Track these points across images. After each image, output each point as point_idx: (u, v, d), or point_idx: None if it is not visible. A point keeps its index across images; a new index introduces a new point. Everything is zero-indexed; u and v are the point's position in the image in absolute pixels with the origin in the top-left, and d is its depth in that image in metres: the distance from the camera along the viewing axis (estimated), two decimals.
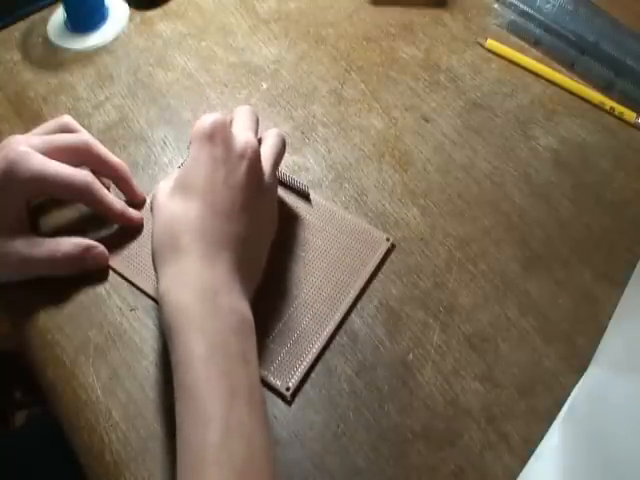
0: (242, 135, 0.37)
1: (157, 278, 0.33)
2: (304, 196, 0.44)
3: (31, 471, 0.49)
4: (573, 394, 0.36)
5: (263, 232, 0.38)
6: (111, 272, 0.41)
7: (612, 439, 0.33)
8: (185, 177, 0.35)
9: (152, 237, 0.34)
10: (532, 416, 0.35)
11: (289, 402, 0.36)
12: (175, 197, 0.35)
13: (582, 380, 0.36)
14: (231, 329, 0.32)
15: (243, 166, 0.35)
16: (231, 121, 0.39)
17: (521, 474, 0.33)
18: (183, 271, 0.32)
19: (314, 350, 0.37)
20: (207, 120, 0.36)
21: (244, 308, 0.33)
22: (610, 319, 0.38)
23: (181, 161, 0.46)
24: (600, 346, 0.37)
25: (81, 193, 0.39)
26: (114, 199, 0.41)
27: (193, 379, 0.30)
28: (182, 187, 0.35)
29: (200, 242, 0.33)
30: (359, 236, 0.42)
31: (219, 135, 0.35)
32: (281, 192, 0.44)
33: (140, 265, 0.41)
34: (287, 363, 0.37)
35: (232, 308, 0.32)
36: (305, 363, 0.37)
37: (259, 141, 0.40)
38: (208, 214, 0.34)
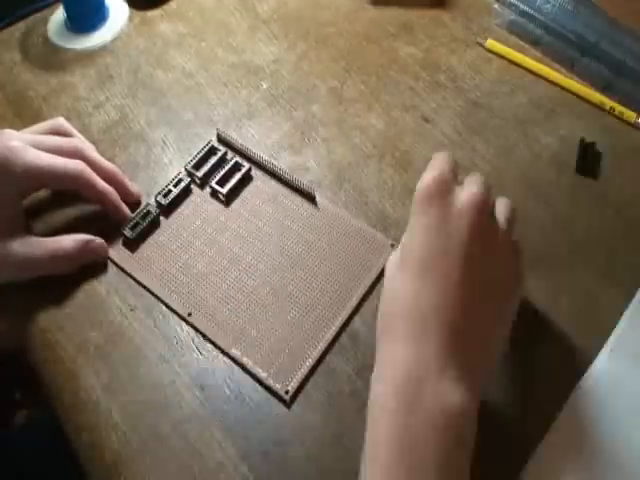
0: (467, 190, 0.32)
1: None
2: (309, 198, 0.44)
3: (31, 471, 0.49)
4: (586, 383, 0.36)
5: (494, 296, 0.31)
6: (111, 269, 0.41)
7: (628, 429, 0.34)
8: (404, 249, 0.32)
9: (378, 319, 0.32)
10: (532, 416, 0.35)
11: (288, 405, 0.36)
12: (398, 272, 0.32)
13: (596, 369, 0.36)
14: (432, 427, 0.27)
15: (465, 223, 0.31)
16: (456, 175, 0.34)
17: (525, 468, 0.33)
18: (389, 357, 0.30)
19: (315, 354, 0.37)
20: (426, 179, 0.32)
21: (458, 399, 0.28)
22: (610, 319, 0.38)
23: (182, 161, 0.46)
24: (616, 336, 0.37)
25: (75, 181, 0.39)
26: (108, 186, 0.41)
27: None
28: (403, 260, 0.32)
29: (407, 322, 0.30)
30: (363, 241, 0.42)
31: (439, 194, 0.32)
32: (286, 193, 0.44)
33: (139, 259, 0.41)
34: (287, 366, 0.37)
35: (439, 401, 0.28)
36: (305, 367, 0.37)
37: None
38: (421, 290, 0.30)
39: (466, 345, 0.30)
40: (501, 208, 0.34)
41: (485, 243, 0.31)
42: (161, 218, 0.43)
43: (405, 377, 0.29)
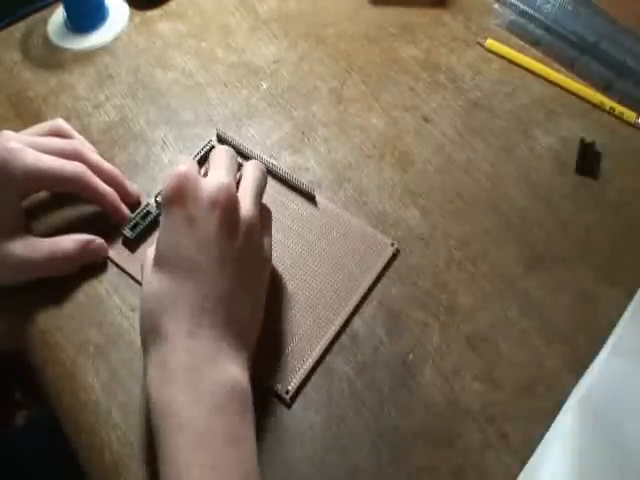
0: (213, 181, 0.33)
1: (144, 366, 0.32)
2: (309, 198, 0.44)
3: (31, 471, 0.49)
4: (586, 383, 0.36)
5: (252, 277, 0.34)
6: (110, 268, 0.41)
7: (629, 428, 0.34)
8: (159, 248, 0.33)
9: (140, 319, 0.33)
10: (532, 416, 0.35)
11: (289, 405, 0.36)
12: (154, 272, 0.33)
13: (597, 369, 0.36)
14: (218, 411, 0.29)
15: (214, 217, 0.32)
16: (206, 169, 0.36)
17: (524, 469, 0.33)
18: (165, 359, 0.31)
19: (314, 354, 0.37)
20: (172, 178, 0.33)
21: (234, 376, 0.31)
22: (610, 319, 0.38)
23: None
24: (616, 336, 0.37)
25: (75, 183, 0.39)
26: (107, 188, 0.41)
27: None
28: (157, 260, 0.33)
29: (178, 320, 0.31)
30: (363, 240, 0.42)
31: (186, 192, 0.32)
32: (286, 193, 0.44)
33: (139, 259, 0.41)
34: (287, 366, 0.37)
35: (218, 383, 0.30)
36: (305, 367, 0.37)
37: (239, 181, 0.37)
38: (183, 286, 0.32)
39: (236, 322, 0.32)
40: (244, 189, 0.35)
41: (234, 228, 0.33)
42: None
43: (188, 370, 0.30)
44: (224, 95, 0.50)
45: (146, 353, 0.32)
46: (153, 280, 0.32)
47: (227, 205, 0.33)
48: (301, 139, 0.48)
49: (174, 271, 0.32)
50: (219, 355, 0.31)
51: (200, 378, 0.30)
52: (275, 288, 0.40)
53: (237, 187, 0.35)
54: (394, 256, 0.41)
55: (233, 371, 0.31)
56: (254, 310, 0.35)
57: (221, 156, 0.36)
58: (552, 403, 0.36)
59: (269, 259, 0.37)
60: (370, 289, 0.40)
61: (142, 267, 0.34)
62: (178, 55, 0.53)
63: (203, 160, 0.45)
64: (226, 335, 0.32)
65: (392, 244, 0.41)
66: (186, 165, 0.33)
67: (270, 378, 0.36)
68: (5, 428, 0.62)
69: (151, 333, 0.31)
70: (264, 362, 0.37)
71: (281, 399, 0.36)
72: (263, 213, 0.37)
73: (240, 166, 0.38)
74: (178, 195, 0.32)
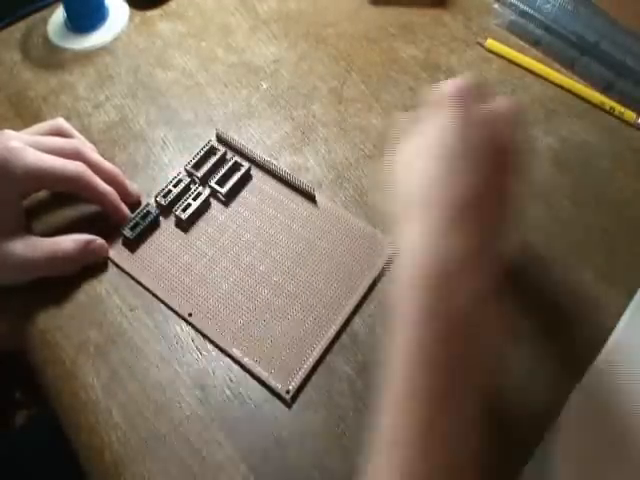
0: (496, 102, 0.34)
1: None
2: (309, 197, 0.44)
3: (31, 471, 0.49)
4: (586, 383, 0.36)
5: (503, 190, 0.33)
6: (110, 268, 0.41)
7: (627, 431, 0.34)
8: (425, 138, 0.33)
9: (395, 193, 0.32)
10: (532, 416, 0.35)
11: (289, 404, 0.36)
12: (419, 159, 0.32)
13: (596, 370, 0.37)
14: (460, 320, 0.27)
15: (486, 134, 0.32)
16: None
17: (525, 468, 0.33)
18: (408, 245, 0.30)
19: (315, 353, 0.37)
20: (455, 81, 0.34)
21: (488, 287, 0.29)
22: (610, 319, 0.38)
23: (182, 161, 0.46)
24: (616, 336, 0.38)
25: (76, 183, 0.39)
26: (108, 187, 0.41)
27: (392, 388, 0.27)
28: (425, 148, 0.32)
29: (434, 211, 0.30)
30: (363, 240, 0.42)
31: (465, 98, 0.33)
32: (287, 193, 0.44)
33: (139, 259, 0.41)
34: (288, 365, 0.37)
35: (471, 297, 0.28)
36: (306, 366, 0.37)
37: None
38: (449, 177, 0.31)
39: (490, 233, 0.31)
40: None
41: (494, 140, 0.32)
42: (161, 218, 0.43)
43: (434, 271, 0.28)
44: (224, 95, 0.50)
45: (397, 240, 0.31)
46: (415, 165, 0.32)
47: (507, 124, 0.33)
48: (301, 139, 0.48)
49: (445, 159, 0.31)
50: (475, 263, 0.29)
51: (447, 278, 0.28)
52: (276, 287, 0.40)
53: None
54: (394, 255, 0.41)
55: (488, 285, 0.29)
56: (503, 223, 0.33)
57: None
58: (552, 403, 0.36)
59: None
60: (370, 288, 0.40)
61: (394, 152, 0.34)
62: (178, 55, 0.53)
63: (202, 161, 0.45)
64: (480, 241, 0.30)
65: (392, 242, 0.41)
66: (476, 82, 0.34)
67: (270, 377, 0.36)
68: (5, 428, 0.62)
69: (405, 220, 0.31)
70: (264, 361, 0.37)
71: (281, 399, 0.36)
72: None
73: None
74: (459, 98, 0.33)
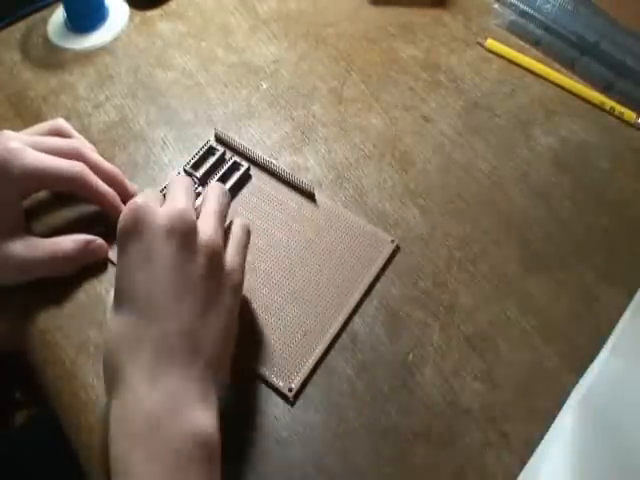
0: (167, 209, 0.32)
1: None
2: (309, 196, 0.44)
3: (31, 471, 0.49)
4: (586, 383, 0.36)
5: (217, 304, 0.32)
6: (110, 268, 0.41)
7: (629, 429, 0.34)
8: (116, 287, 0.31)
9: (102, 364, 0.31)
10: (532, 416, 0.35)
11: (291, 403, 0.36)
12: (114, 313, 0.31)
13: (597, 369, 0.36)
14: (176, 468, 0.27)
15: (170, 246, 0.31)
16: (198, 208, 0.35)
17: (524, 469, 0.33)
18: (125, 407, 0.29)
19: (317, 351, 0.37)
20: (125, 210, 0.31)
21: (199, 424, 0.28)
22: (610, 319, 0.38)
23: (182, 161, 0.46)
24: (616, 336, 0.37)
25: (75, 183, 0.39)
26: (107, 188, 0.41)
27: None
28: (116, 300, 0.31)
29: (138, 364, 0.29)
30: (363, 237, 0.42)
31: (141, 223, 0.31)
32: (286, 192, 0.44)
33: None
34: (290, 364, 0.37)
35: (179, 435, 0.28)
36: (308, 364, 0.37)
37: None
38: (142, 326, 0.30)
39: (201, 363, 0.30)
40: (207, 206, 0.34)
41: (191, 259, 0.31)
42: None
43: (146, 421, 0.28)
44: (224, 95, 0.50)
45: (108, 400, 0.30)
46: (113, 321, 0.31)
47: (183, 231, 0.31)
48: (301, 139, 0.48)
49: (132, 310, 0.30)
50: (183, 399, 0.29)
51: (159, 431, 0.28)
52: (276, 286, 0.40)
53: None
54: (394, 253, 0.41)
55: (198, 417, 0.29)
56: (223, 339, 0.32)
57: (176, 183, 0.35)
58: (552, 403, 0.36)
59: (238, 283, 0.34)
60: (371, 286, 0.40)
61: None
62: (178, 55, 0.53)
63: (201, 161, 0.45)
64: (192, 373, 0.29)
65: (392, 241, 0.41)
66: (143, 196, 0.32)
67: (272, 376, 0.36)
68: (5, 428, 0.62)
69: (112, 379, 0.30)
70: (266, 360, 0.37)
71: (284, 397, 0.36)
72: (234, 233, 0.35)
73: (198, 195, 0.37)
74: (132, 227, 0.31)
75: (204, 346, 0.30)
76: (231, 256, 0.34)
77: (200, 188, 0.44)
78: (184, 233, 0.31)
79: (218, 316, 0.31)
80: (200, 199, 0.36)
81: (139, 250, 0.31)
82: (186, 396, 0.29)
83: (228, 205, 0.36)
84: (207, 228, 0.32)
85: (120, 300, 0.31)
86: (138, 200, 0.32)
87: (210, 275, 0.31)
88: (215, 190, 0.36)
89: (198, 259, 0.31)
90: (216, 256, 0.32)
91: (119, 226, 0.31)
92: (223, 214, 0.35)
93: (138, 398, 0.28)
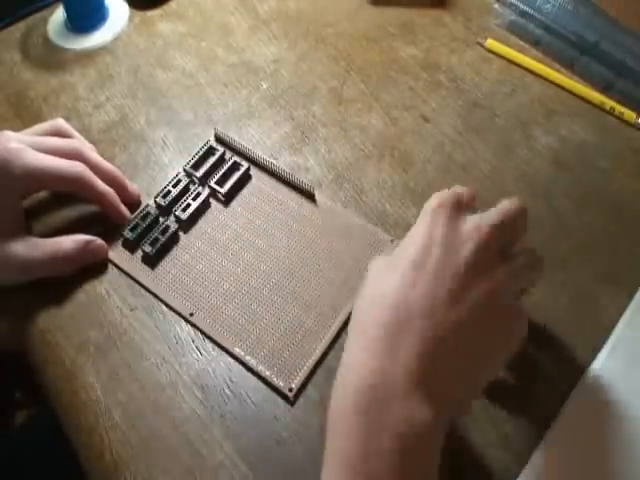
0: (478, 220, 0.31)
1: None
2: (309, 196, 0.44)
3: (31, 471, 0.49)
4: (586, 383, 0.36)
5: (482, 339, 0.30)
6: (110, 268, 0.41)
7: (629, 429, 0.34)
8: (403, 250, 0.31)
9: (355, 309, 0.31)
10: (532, 416, 0.35)
11: (292, 402, 0.36)
12: (388, 272, 0.31)
13: (597, 369, 0.36)
14: (398, 450, 0.26)
15: (468, 247, 0.30)
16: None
17: (524, 469, 0.33)
18: (357, 366, 0.28)
19: (317, 351, 0.37)
20: (445, 193, 0.33)
21: (425, 416, 0.26)
22: (610, 319, 0.38)
23: (182, 161, 0.46)
24: (616, 336, 0.37)
25: (75, 183, 0.39)
26: (108, 188, 0.41)
27: None
28: (397, 261, 0.31)
29: (384, 329, 0.28)
30: (363, 238, 0.42)
31: (449, 211, 0.31)
32: (286, 192, 0.44)
33: (139, 260, 0.41)
34: (290, 364, 0.37)
35: (404, 421, 0.26)
36: (308, 364, 0.37)
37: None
38: (409, 295, 0.29)
39: (437, 371, 0.28)
40: (521, 256, 0.33)
41: (483, 274, 0.30)
42: (160, 219, 0.43)
43: (369, 396, 0.27)
44: (224, 95, 0.50)
45: (346, 349, 0.30)
46: (383, 279, 0.31)
47: (485, 243, 0.30)
48: (301, 139, 0.48)
49: (400, 271, 0.30)
50: (413, 393, 0.27)
51: (385, 402, 0.27)
52: (276, 286, 0.40)
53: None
54: None
55: (425, 413, 0.27)
56: (471, 372, 0.29)
57: (505, 207, 0.33)
58: (552, 403, 0.36)
59: (514, 335, 0.31)
60: None
61: (370, 265, 0.32)
62: (178, 55, 0.53)
63: (201, 161, 0.45)
64: (422, 373, 0.28)
65: (392, 241, 0.41)
66: (468, 191, 0.33)
67: (273, 376, 0.36)
68: (5, 428, 0.62)
69: (358, 334, 0.30)
70: (266, 360, 0.37)
71: (284, 397, 0.36)
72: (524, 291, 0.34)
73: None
74: (447, 208, 0.31)
75: (450, 358, 0.29)
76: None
77: (200, 188, 0.44)
78: (483, 244, 0.30)
79: (483, 349, 0.30)
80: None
81: (449, 231, 0.30)
82: (414, 390, 0.27)
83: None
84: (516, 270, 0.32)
85: (396, 259, 0.31)
86: (463, 193, 0.33)
87: (499, 297, 0.30)
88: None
89: (493, 278, 0.30)
90: (510, 284, 0.31)
91: (439, 197, 0.32)
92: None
93: (376, 355, 0.28)
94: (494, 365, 0.31)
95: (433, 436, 0.27)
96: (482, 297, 0.29)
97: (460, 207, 0.32)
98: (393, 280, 0.30)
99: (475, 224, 0.31)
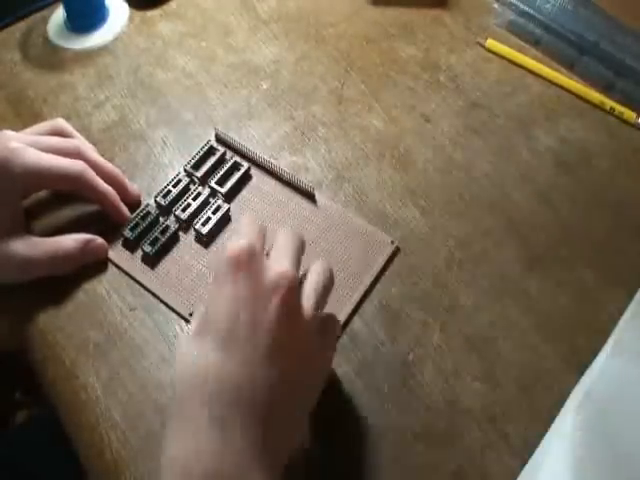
0: (277, 265, 0.30)
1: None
2: (309, 196, 0.44)
3: (31, 471, 0.49)
4: (586, 383, 0.36)
5: (301, 383, 0.30)
6: (110, 268, 0.41)
7: (629, 429, 0.34)
8: (208, 318, 0.29)
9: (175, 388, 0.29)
10: (532, 416, 0.35)
11: None
12: (198, 342, 0.29)
13: (597, 369, 0.36)
14: None
15: (274, 303, 0.29)
16: (268, 250, 0.33)
17: (524, 469, 0.33)
18: (184, 445, 0.27)
19: None
20: (234, 247, 0.30)
21: None
22: (610, 319, 0.38)
23: (182, 161, 0.46)
24: (616, 336, 0.37)
25: (76, 182, 0.39)
26: (108, 187, 0.41)
27: None
28: (204, 330, 0.29)
29: (209, 404, 0.27)
30: (363, 238, 0.42)
31: (247, 266, 0.29)
32: (287, 192, 0.44)
33: (139, 259, 0.41)
34: None
35: None
36: None
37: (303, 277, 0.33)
38: (226, 364, 0.28)
39: (273, 430, 0.28)
40: (307, 290, 0.32)
41: (292, 323, 0.30)
42: (160, 219, 0.43)
43: (202, 474, 0.26)
44: (224, 95, 0.50)
45: (167, 432, 0.28)
46: (194, 350, 0.29)
47: (288, 296, 0.29)
48: (301, 139, 0.48)
49: (224, 346, 0.28)
50: (249, 466, 0.26)
51: None
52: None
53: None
54: (394, 254, 0.41)
55: None
56: (301, 419, 0.30)
57: (287, 241, 0.33)
58: (552, 403, 0.36)
59: (325, 368, 0.33)
60: (371, 286, 0.40)
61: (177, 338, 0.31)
62: (178, 55, 0.53)
63: (201, 161, 0.45)
64: (267, 439, 0.27)
65: (392, 242, 0.42)
66: (251, 239, 0.31)
67: None
68: (5, 428, 0.62)
69: (177, 409, 0.28)
70: None
71: None
72: (328, 321, 0.34)
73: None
74: (237, 266, 0.29)
75: (283, 419, 0.29)
76: (327, 340, 0.33)
77: (200, 188, 0.44)
78: (288, 300, 0.29)
79: (301, 395, 0.30)
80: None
81: (237, 289, 0.29)
82: (253, 464, 0.27)
83: (331, 286, 0.34)
84: (308, 305, 0.31)
85: (208, 329, 0.29)
86: (246, 241, 0.30)
87: (306, 353, 0.30)
88: (321, 267, 0.33)
89: (297, 331, 0.30)
90: (313, 336, 0.31)
91: (222, 256, 0.30)
92: (324, 295, 0.33)
93: (202, 445, 0.26)
94: (312, 399, 0.31)
95: None
96: (293, 347, 0.30)
97: (256, 258, 0.30)
98: (206, 350, 0.29)
99: (275, 276, 0.30)
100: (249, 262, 0.30)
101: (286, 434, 0.29)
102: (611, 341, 0.37)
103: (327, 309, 0.38)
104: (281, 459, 0.29)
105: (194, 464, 0.26)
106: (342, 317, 0.38)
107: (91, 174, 0.40)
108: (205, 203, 0.43)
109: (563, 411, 0.35)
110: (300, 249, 0.33)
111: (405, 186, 0.45)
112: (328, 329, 0.33)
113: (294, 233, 0.33)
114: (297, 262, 0.32)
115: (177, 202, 0.43)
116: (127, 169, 0.45)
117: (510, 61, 0.52)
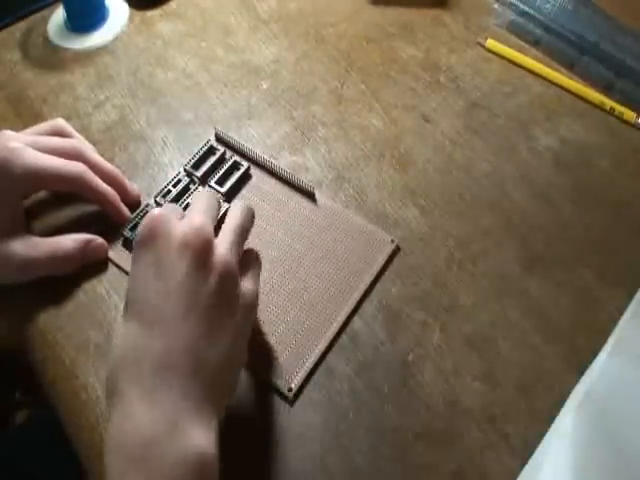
0: (185, 223, 0.31)
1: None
2: (309, 196, 0.44)
3: (31, 471, 0.49)
4: (586, 383, 0.36)
5: (226, 326, 0.30)
6: (110, 268, 0.41)
7: (629, 430, 0.34)
8: (127, 295, 0.30)
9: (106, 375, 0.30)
10: (532, 416, 0.35)
11: (291, 402, 0.36)
12: (123, 322, 0.30)
13: (597, 370, 0.36)
14: None
15: (184, 261, 0.29)
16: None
17: (524, 469, 0.33)
18: (121, 426, 0.27)
19: (317, 351, 0.37)
20: (145, 220, 0.30)
21: (197, 445, 0.27)
22: (610, 319, 0.38)
23: (182, 161, 0.46)
24: (616, 336, 0.37)
25: (75, 183, 0.39)
26: (108, 188, 0.41)
27: None
28: (126, 308, 0.30)
29: (138, 379, 0.28)
30: (364, 237, 0.42)
31: (158, 234, 0.30)
32: (286, 192, 0.44)
33: None
34: (290, 364, 0.37)
35: (178, 458, 0.26)
36: (308, 364, 0.37)
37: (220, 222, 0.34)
38: (147, 338, 0.28)
39: (202, 382, 0.28)
40: (224, 231, 0.33)
41: (204, 277, 0.30)
42: None
43: (143, 444, 0.26)
44: (224, 95, 0.50)
45: (108, 412, 0.28)
46: (120, 332, 0.30)
47: (197, 247, 0.30)
48: (301, 139, 0.48)
49: (141, 321, 0.29)
50: (182, 419, 0.27)
51: (155, 453, 0.26)
52: (276, 286, 0.40)
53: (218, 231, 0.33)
54: (394, 253, 0.41)
55: (197, 438, 0.27)
56: (230, 361, 0.30)
57: (200, 198, 0.34)
58: (552, 403, 0.36)
59: (251, 306, 0.33)
60: (371, 286, 0.40)
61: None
62: (178, 55, 0.53)
63: (201, 160, 0.45)
64: (193, 391, 0.28)
65: (392, 240, 0.42)
66: (163, 209, 0.31)
67: (272, 376, 0.36)
68: (5, 428, 0.62)
69: (112, 391, 0.28)
70: (266, 360, 0.37)
71: (284, 397, 0.36)
72: (249, 257, 0.35)
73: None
74: (149, 237, 0.30)
75: (207, 366, 0.29)
76: (246, 277, 0.33)
77: (200, 187, 0.44)
78: (198, 249, 0.30)
79: (226, 337, 0.30)
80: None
81: (152, 262, 0.30)
82: (184, 416, 0.27)
83: (250, 224, 0.35)
84: (223, 247, 0.31)
85: (129, 309, 0.30)
86: (156, 211, 0.31)
87: (221, 295, 0.30)
88: (236, 209, 0.34)
89: (210, 277, 0.30)
90: (229, 276, 0.31)
91: (137, 234, 0.31)
92: (243, 233, 0.34)
93: (134, 418, 0.27)
94: (239, 347, 0.32)
95: (210, 458, 0.27)
96: (212, 302, 0.30)
97: (163, 226, 0.30)
98: (131, 329, 0.29)
99: (185, 229, 0.30)
100: (159, 227, 0.30)
101: (218, 384, 0.30)
102: (611, 341, 0.37)
103: (326, 308, 0.39)
104: (218, 412, 0.29)
105: (130, 438, 0.27)
106: (342, 317, 0.38)
107: (90, 175, 0.40)
108: None
109: (563, 411, 0.35)
110: (214, 199, 0.34)
111: (405, 186, 0.45)
112: (250, 264, 0.34)
113: (207, 192, 0.35)
114: (211, 213, 0.33)
115: (177, 202, 0.43)
116: (127, 169, 0.45)
117: (510, 61, 0.52)
